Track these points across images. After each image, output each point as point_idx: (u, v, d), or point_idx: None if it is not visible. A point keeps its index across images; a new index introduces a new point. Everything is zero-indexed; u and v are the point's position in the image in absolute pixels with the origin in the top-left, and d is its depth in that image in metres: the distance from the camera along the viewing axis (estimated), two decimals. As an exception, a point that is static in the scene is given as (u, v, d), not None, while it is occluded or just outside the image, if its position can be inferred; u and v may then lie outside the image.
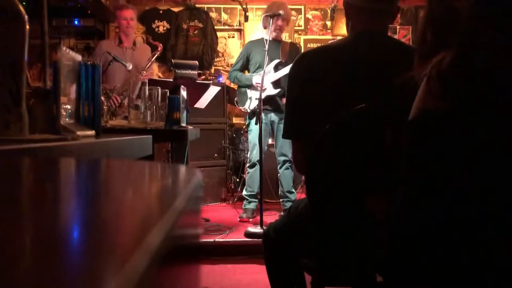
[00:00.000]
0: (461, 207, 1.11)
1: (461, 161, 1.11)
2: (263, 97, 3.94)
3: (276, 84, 4.21)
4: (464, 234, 1.11)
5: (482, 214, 1.10)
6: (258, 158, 3.92)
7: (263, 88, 3.91)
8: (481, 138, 1.09)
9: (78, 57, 1.37)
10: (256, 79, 4.20)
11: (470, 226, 1.11)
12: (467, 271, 1.12)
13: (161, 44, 4.26)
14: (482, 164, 1.10)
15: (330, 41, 3.99)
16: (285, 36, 5.86)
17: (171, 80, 3.41)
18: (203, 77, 5.91)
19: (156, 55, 4.21)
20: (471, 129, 1.11)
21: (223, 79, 5.99)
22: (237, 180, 5.37)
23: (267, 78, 4.12)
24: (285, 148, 4.20)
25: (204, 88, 3.56)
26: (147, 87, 2.52)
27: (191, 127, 2.87)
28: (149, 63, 4.16)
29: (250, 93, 4.29)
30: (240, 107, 4.48)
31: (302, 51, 5.65)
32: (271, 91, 4.20)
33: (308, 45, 6.31)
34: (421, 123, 1.17)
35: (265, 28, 4.22)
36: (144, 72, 4.03)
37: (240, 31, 6.34)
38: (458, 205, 1.11)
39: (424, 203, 1.16)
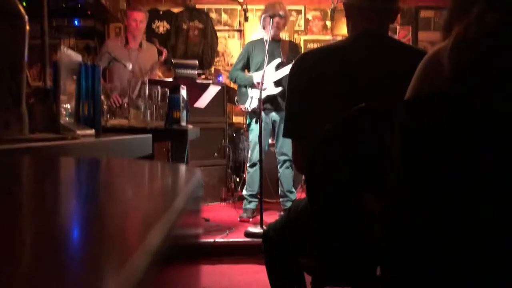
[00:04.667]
0: (455, 196, 1.11)
1: (460, 147, 1.10)
2: (264, 96, 3.94)
3: (277, 83, 4.21)
4: (461, 225, 1.11)
5: (477, 202, 1.09)
6: (259, 157, 3.92)
7: (263, 87, 3.91)
8: (483, 123, 1.09)
9: (78, 57, 1.37)
10: (256, 78, 4.19)
11: (464, 214, 1.10)
12: (464, 266, 1.12)
13: (165, 50, 4.23)
14: (483, 152, 1.09)
15: (330, 42, 3.99)
16: (284, 36, 5.86)
17: (171, 79, 3.41)
18: (203, 76, 5.91)
19: (161, 60, 4.21)
20: (475, 112, 1.10)
21: (223, 78, 5.99)
22: (237, 179, 5.37)
23: (268, 78, 4.11)
24: (285, 147, 4.19)
25: (204, 88, 3.56)
26: (147, 87, 2.53)
27: (191, 126, 2.87)
28: (153, 68, 4.17)
29: (251, 92, 4.29)
30: (241, 106, 4.47)
31: (302, 50, 5.66)
32: (272, 90, 4.19)
33: (308, 46, 6.31)
34: (420, 102, 1.17)
35: (264, 28, 4.22)
36: (148, 75, 4.03)
37: (240, 31, 6.34)
38: (453, 195, 1.11)
39: (417, 194, 1.15)
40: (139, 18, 4.36)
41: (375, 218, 1.44)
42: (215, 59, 6.32)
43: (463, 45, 1.10)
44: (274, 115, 4.30)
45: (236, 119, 6.19)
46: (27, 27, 1.01)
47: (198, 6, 6.21)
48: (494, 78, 1.10)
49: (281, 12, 4.06)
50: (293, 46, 4.50)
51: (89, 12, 5.45)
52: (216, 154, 5.26)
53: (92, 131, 1.33)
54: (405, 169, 1.19)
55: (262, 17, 4.15)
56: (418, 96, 1.17)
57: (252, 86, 4.27)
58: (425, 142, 1.14)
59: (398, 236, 1.22)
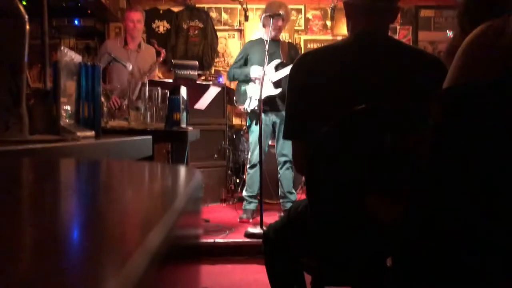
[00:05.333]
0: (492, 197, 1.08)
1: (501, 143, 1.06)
2: (263, 97, 3.94)
3: (276, 84, 4.20)
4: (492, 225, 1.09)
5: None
6: (259, 159, 3.91)
7: (262, 88, 3.90)
8: None
9: (78, 58, 1.37)
10: (253, 72, 4.19)
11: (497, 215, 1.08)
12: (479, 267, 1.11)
13: (164, 50, 4.23)
14: None
15: (331, 42, 3.99)
16: (284, 36, 5.86)
17: (171, 81, 3.42)
18: (203, 77, 5.91)
19: (159, 61, 4.21)
20: None
21: (223, 79, 5.99)
22: (237, 181, 5.37)
23: (268, 78, 4.11)
24: (285, 148, 4.20)
25: (204, 89, 3.56)
26: (147, 88, 2.52)
27: (191, 128, 2.87)
28: (152, 69, 4.16)
29: (250, 92, 4.28)
30: (239, 106, 4.48)
31: (301, 51, 5.66)
32: (271, 91, 4.19)
33: (308, 45, 6.32)
34: (462, 91, 1.12)
35: (264, 27, 4.22)
36: (147, 76, 4.03)
37: (240, 31, 6.35)
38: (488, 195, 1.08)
39: (450, 190, 1.12)
40: (136, 18, 4.36)
41: (376, 222, 1.44)
42: (215, 59, 6.32)
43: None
44: (274, 116, 4.29)
45: (236, 121, 6.20)
46: (27, 27, 1.01)
47: (198, 5, 6.21)
48: None
49: (281, 12, 4.05)
50: (292, 47, 4.50)
51: (89, 12, 5.45)
52: (216, 156, 5.26)
53: (92, 133, 1.33)
54: (444, 164, 1.14)
55: (262, 17, 4.15)
56: (471, 82, 1.11)
57: (249, 80, 4.26)
58: (480, 129, 1.08)
59: (423, 235, 1.20)
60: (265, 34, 4.17)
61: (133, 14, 4.38)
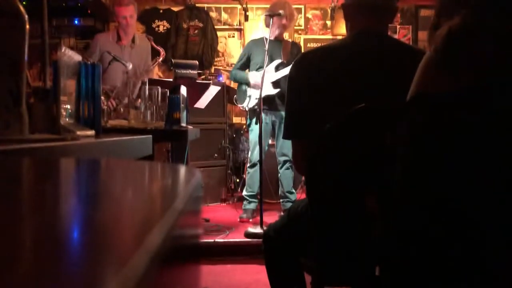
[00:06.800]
0: (461, 200, 1.10)
1: (468, 146, 1.08)
2: (262, 96, 3.94)
3: (275, 84, 4.20)
4: (461, 229, 1.10)
5: (481, 207, 1.09)
6: (259, 158, 3.92)
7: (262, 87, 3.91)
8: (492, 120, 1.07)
9: (78, 57, 1.37)
10: (252, 78, 4.21)
11: (466, 219, 1.10)
12: (463, 267, 1.12)
13: (163, 50, 4.08)
14: (492, 155, 1.07)
15: (330, 41, 3.99)
16: (285, 36, 5.87)
17: (171, 80, 3.41)
18: (203, 76, 5.91)
19: (158, 61, 4.07)
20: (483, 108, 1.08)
21: (223, 78, 5.99)
22: (237, 180, 5.37)
23: (267, 78, 4.11)
24: (285, 148, 4.20)
25: (204, 87, 3.56)
26: (147, 87, 2.52)
27: (191, 127, 2.87)
28: (148, 70, 4.08)
29: (249, 91, 4.29)
30: (239, 105, 4.48)
31: (302, 50, 5.66)
32: (270, 91, 4.19)
33: (308, 45, 6.32)
34: (423, 101, 1.15)
35: (267, 27, 4.22)
36: (143, 77, 3.97)
37: (240, 30, 6.35)
38: (459, 199, 1.10)
39: (420, 196, 1.15)
40: (128, 13, 4.09)
41: (375, 218, 1.44)
42: (215, 59, 6.33)
43: (448, 42, 1.10)
44: (273, 116, 4.30)
45: (236, 120, 6.20)
46: (27, 27, 1.01)
47: (198, 5, 6.21)
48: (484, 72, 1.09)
49: (281, 12, 4.05)
50: (295, 47, 4.49)
51: (89, 11, 5.45)
52: (216, 155, 5.26)
53: (92, 132, 1.33)
54: (412, 168, 1.17)
55: (263, 16, 4.16)
56: (423, 94, 1.16)
57: (248, 85, 4.28)
58: (434, 140, 1.12)
59: (400, 236, 1.21)
60: (268, 34, 4.18)
61: (124, 9, 4.06)
